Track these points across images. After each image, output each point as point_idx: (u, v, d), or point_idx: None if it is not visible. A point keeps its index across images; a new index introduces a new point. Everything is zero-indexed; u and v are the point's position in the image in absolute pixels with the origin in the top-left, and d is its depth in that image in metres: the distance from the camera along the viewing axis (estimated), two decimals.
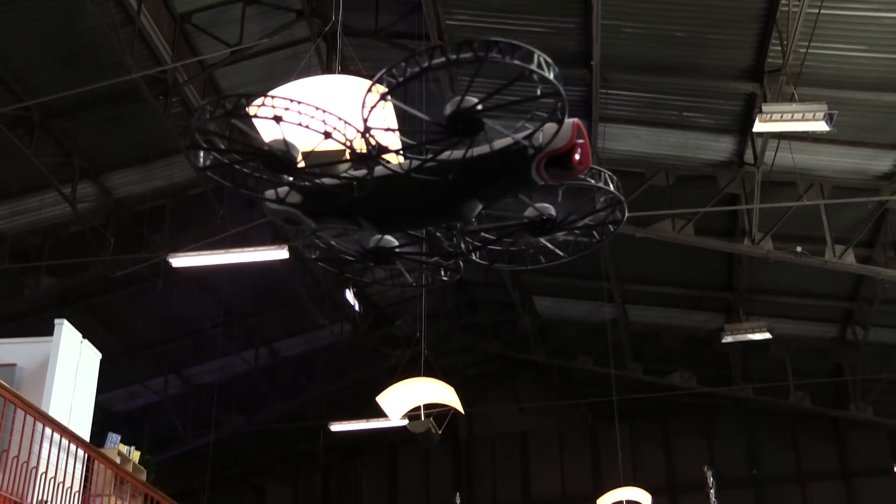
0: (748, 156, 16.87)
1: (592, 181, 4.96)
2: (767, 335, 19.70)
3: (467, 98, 4.30)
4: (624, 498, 18.71)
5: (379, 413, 15.67)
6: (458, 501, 23.30)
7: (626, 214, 5.21)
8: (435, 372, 16.52)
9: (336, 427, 22.38)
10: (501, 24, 14.97)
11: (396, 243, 5.41)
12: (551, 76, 4.15)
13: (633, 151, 17.61)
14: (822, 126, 12.81)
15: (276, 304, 23.49)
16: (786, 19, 13.09)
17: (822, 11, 12.67)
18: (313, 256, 5.80)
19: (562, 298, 24.95)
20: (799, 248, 17.47)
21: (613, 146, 17.36)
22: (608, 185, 4.99)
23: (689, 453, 28.41)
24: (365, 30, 15.32)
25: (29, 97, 14.86)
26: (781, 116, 12.77)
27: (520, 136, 4.51)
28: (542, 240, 5.28)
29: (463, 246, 5.43)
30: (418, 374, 15.42)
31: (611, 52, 14.63)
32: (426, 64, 4.13)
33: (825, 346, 23.70)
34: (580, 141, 4.54)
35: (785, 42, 13.44)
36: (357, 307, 24.25)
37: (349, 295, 23.71)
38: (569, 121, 4.46)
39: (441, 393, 14.23)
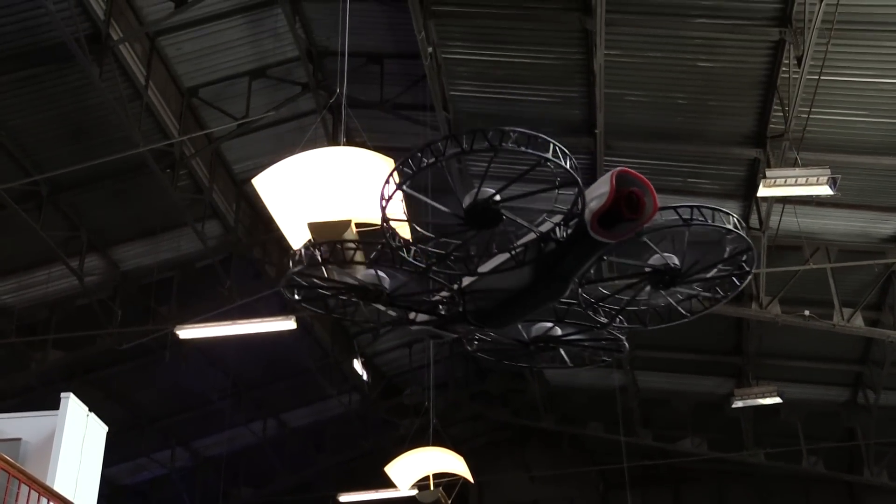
0: (753, 220, 16.90)
1: (708, 220, 4.80)
2: (777, 399, 19.58)
3: (484, 189, 4.27)
4: None
5: (388, 483, 15.53)
6: None
7: (755, 266, 4.92)
8: (444, 441, 16.42)
9: (345, 498, 22.12)
10: (505, 94, 15.15)
11: (557, 330, 5.41)
12: (567, 165, 4.13)
13: None
14: (825, 190, 12.86)
15: (284, 374, 23.43)
16: (787, 85, 13.22)
17: (823, 77, 12.80)
18: (471, 349, 5.84)
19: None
20: (807, 312, 17.45)
21: None
22: (734, 225, 4.85)
23: None
24: (370, 101, 15.50)
25: (37, 171, 15.00)
26: (785, 181, 12.84)
27: (544, 227, 4.47)
28: (664, 295, 5.18)
29: (595, 313, 5.31)
30: (427, 444, 15.31)
31: (614, 119, 14.76)
32: (441, 154, 4.13)
33: (837, 409, 23.52)
34: (633, 188, 4.41)
35: (786, 108, 13.57)
36: (365, 377, 24.17)
37: (357, 365, 23.64)
38: (606, 175, 4.36)
39: (450, 462, 14.13)
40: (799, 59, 12.42)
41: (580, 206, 4.36)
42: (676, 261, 4.90)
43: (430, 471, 14.68)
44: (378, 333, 23.32)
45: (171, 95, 15.14)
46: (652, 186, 4.31)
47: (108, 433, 11.98)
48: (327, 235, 6.99)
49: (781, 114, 13.92)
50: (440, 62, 14.20)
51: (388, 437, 25.61)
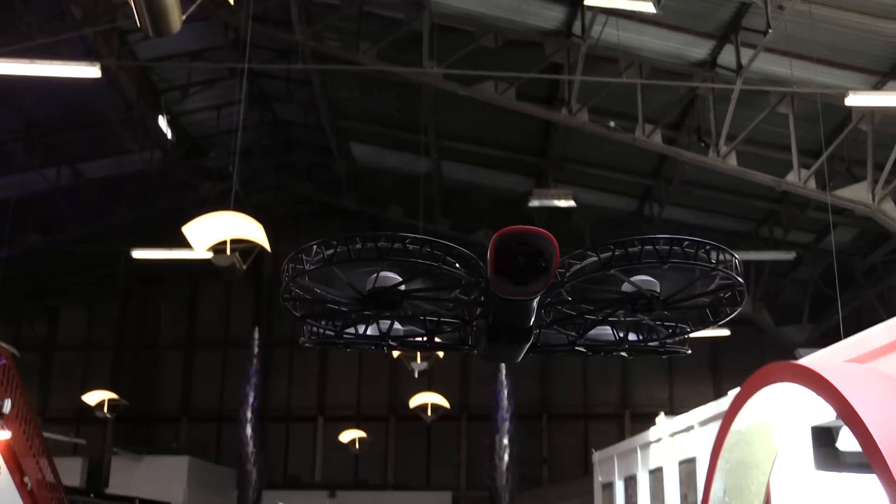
0: (576, 27, 17.12)
1: (701, 256, 3.98)
2: (572, 203, 20.36)
3: (384, 276, 4.08)
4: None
5: (184, 244, 15.42)
6: (256, 336, 23.54)
7: (744, 300, 4.26)
8: (245, 208, 16.37)
9: (138, 254, 21.89)
10: None
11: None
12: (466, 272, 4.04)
13: (466, 9, 17.55)
14: (648, 7, 13.09)
15: (84, 123, 22.44)
16: None
17: None
18: None
19: (379, 147, 25.00)
20: (612, 123, 18.07)
21: (446, 1, 17.25)
22: (729, 267, 4.04)
23: None
24: None
25: None
26: None
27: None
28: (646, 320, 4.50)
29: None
30: (228, 208, 15.21)
31: None
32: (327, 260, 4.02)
33: (624, 218, 24.90)
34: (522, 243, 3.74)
35: None
36: (170, 135, 23.51)
37: (162, 122, 22.92)
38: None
39: (249, 228, 14.12)
40: None
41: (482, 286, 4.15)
42: (657, 288, 4.22)
43: (227, 235, 14.63)
44: (188, 92, 22.60)
45: None
46: (543, 231, 3.62)
47: None
48: None
49: None
50: None
51: (188, 199, 25.25)
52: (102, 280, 30.84)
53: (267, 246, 14.60)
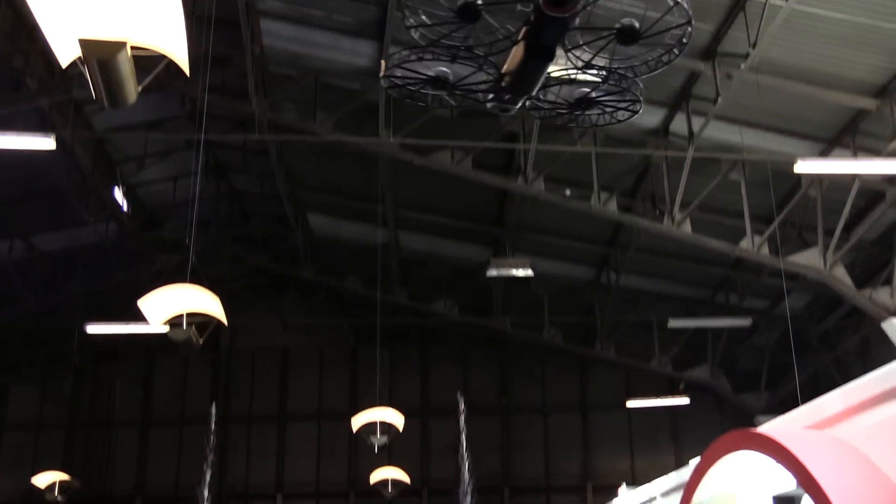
0: None
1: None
2: (530, 272, 20.45)
3: None
4: (378, 419, 19.17)
5: (139, 317, 15.21)
6: (213, 412, 23.18)
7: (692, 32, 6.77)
8: (201, 280, 16.21)
9: (92, 328, 21.57)
10: None
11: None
12: None
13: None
14: None
15: (37, 195, 22.19)
16: None
17: None
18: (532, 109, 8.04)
19: (336, 218, 24.97)
20: (568, 192, 18.24)
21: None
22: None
23: (444, 380, 29.34)
24: None
25: None
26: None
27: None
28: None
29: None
30: (184, 281, 15.05)
31: None
32: None
33: (581, 287, 25.02)
34: None
35: None
36: (125, 207, 23.32)
37: (118, 193, 22.75)
38: None
39: (205, 302, 13.98)
40: None
41: None
42: (636, 24, 6.68)
43: (184, 309, 14.48)
44: (144, 163, 22.47)
45: None
46: None
47: None
48: (99, 54, 6.58)
49: None
50: None
51: (143, 271, 25.02)
52: (55, 356, 30.21)
53: (224, 319, 14.45)
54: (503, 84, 7.25)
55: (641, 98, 7.98)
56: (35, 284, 24.74)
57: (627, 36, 6.72)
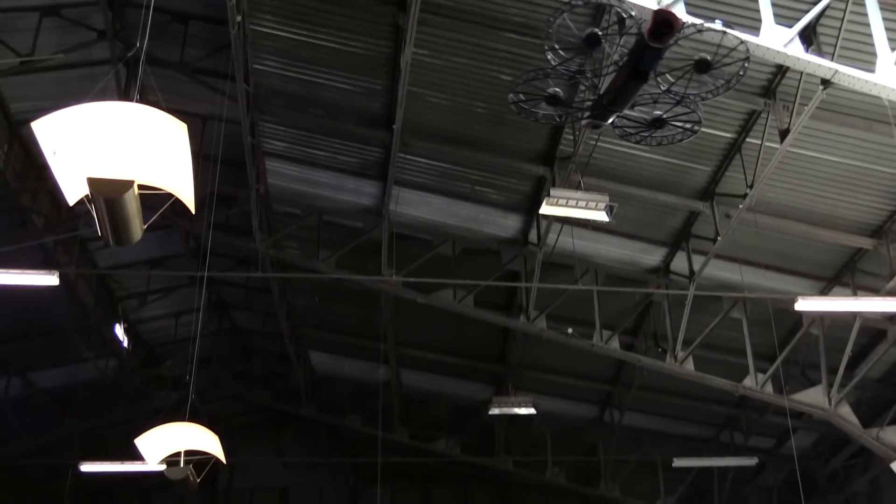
0: (532, 235, 17.50)
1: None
2: (532, 411, 20.28)
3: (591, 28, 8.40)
4: None
5: (136, 456, 14.99)
6: None
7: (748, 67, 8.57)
8: (200, 418, 16.02)
9: (87, 467, 21.17)
10: (309, 75, 15.03)
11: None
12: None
13: (424, 218, 17.94)
14: (602, 216, 13.48)
15: (38, 332, 22.13)
16: None
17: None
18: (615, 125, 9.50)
19: (338, 355, 24.88)
20: (570, 330, 18.20)
21: (405, 210, 17.63)
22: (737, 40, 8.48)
23: None
24: (169, 60, 14.96)
25: None
26: (567, 202, 13.35)
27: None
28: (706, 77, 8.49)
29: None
30: (183, 419, 14.89)
31: (413, 118, 14.91)
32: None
33: (584, 425, 24.72)
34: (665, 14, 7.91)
35: (576, 132, 14.13)
36: (125, 343, 23.25)
37: (119, 330, 22.71)
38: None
39: (204, 440, 13.81)
40: None
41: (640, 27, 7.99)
42: (709, 57, 8.30)
43: (182, 447, 14.29)
44: (146, 300, 22.51)
45: None
46: (673, 13, 7.96)
47: None
48: (107, 193, 6.69)
49: (571, 137, 14.49)
50: (248, 33, 13.88)
51: (142, 409, 24.71)
52: (47, 497, 29.57)
53: (223, 458, 14.25)
54: (604, 101, 8.82)
55: (701, 119, 9.29)
56: (31, 422, 24.43)
57: (702, 66, 8.33)
